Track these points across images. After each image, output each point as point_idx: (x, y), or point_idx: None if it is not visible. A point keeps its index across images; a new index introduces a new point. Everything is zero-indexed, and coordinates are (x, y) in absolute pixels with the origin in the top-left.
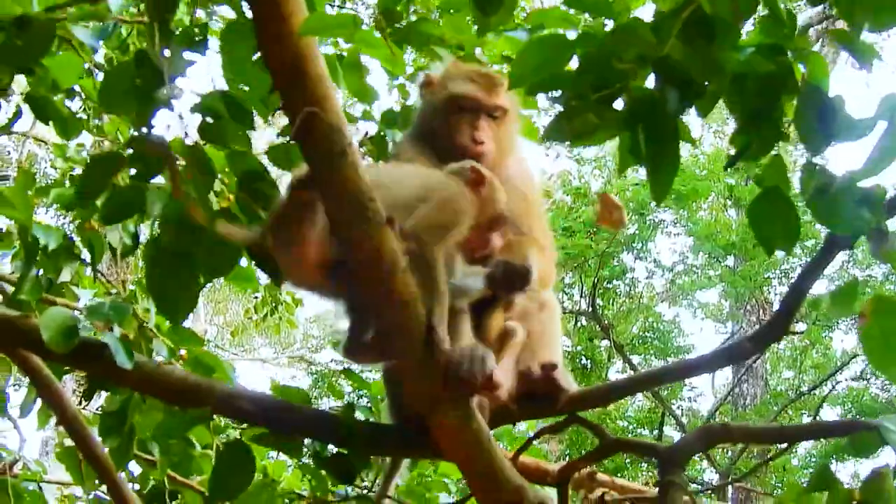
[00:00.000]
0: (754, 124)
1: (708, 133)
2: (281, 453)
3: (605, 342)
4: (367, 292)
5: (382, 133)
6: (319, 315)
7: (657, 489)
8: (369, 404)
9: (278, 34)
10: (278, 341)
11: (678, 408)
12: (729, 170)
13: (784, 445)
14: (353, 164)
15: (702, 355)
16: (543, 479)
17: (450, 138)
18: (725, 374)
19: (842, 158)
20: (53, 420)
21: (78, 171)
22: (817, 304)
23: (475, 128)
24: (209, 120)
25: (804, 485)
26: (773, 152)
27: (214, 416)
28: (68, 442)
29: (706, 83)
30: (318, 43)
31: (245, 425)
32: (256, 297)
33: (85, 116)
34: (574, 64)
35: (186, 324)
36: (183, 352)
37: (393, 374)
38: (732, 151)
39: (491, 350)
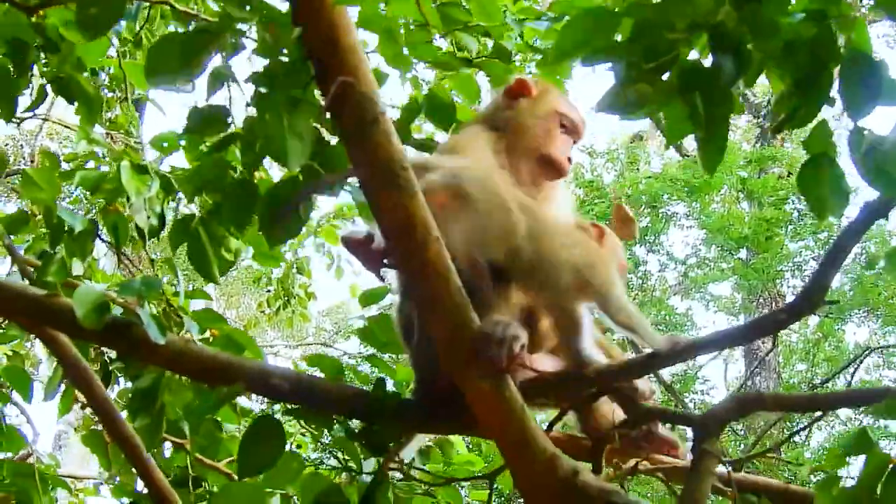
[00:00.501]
0: (801, 90)
1: None
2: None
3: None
4: (401, 263)
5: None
6: (332, 308)
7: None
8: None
9: (312, 4)
10: (291, 335)
11: (690, 400)
12: (742, 163)
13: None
14: (385, 132)
15: (736, 326)
16: (577, 450)
17: (545, 147)
18: (738, 367)
19: (880, 126)
20: (66, 416)
21: (100, 151)
22: (873, 262)
23: (568, 148)
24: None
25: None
26: (818, 118)
27: (245, 394)
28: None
29: (755, 50)
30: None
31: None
32: (269, 291)
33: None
34: (619, 38)
35: None
36: (212, 332)
37: (426, 348)
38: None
39: (521, 328)
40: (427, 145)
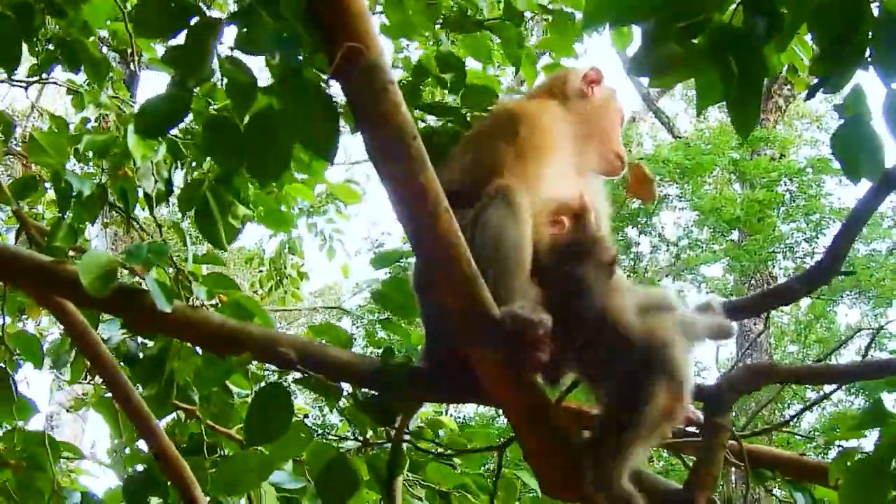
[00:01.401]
0: (836, 53)
1: (712, 108)
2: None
3: None
4: (412, 234)
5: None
6: (324, 289)
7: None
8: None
9: None
10: (283, 316)
11: None
12: (734, 144)
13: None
14: (393, 102)
15: (748, 296)
16: (588, 423)
17: (616, 145)
18: (730, 349)
19: None
20: (57, 396)
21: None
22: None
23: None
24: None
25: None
26: (853, 81)
27: (254, 362)
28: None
29: (786, 13)
30: None
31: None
32: (262, 272)
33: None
34: None
35: None
36: (220, 297)
37: (436, 317)
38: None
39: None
40: (437, 109)
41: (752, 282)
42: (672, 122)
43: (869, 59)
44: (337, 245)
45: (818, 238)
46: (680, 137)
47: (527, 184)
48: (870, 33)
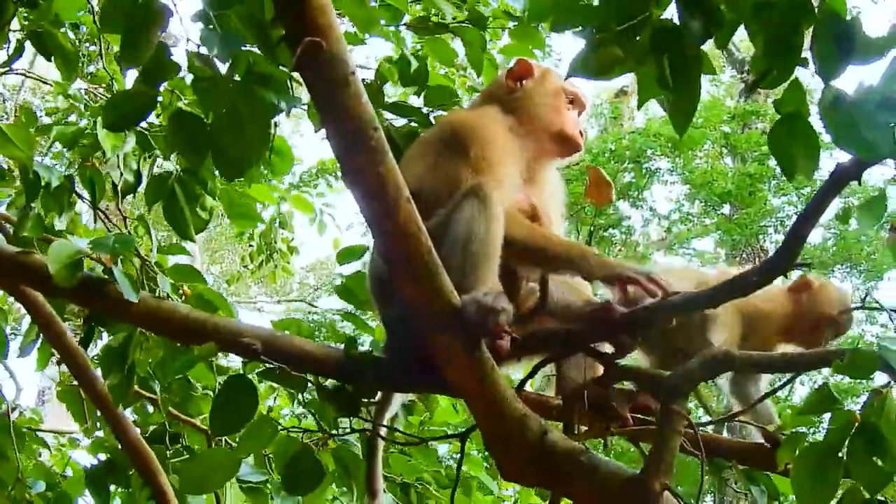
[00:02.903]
0: (775, 50)
1: (703, 81)
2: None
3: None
4: (373, 224)
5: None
6: (316, 264)
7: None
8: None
9: None
10: (275, 290)
11: None
12: (726, 118)
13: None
14: (355, 94)
15: (706, 290)
16: (548, 411)
17: (557, 126)
18: None
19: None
20: (48, 371)
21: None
22: (846, 215)
23: (577, 122)
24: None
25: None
26: (792, 77)
27: (219, 353)
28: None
29: (725, 11)
30: None
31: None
32: (252, 247)
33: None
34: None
35: None
36: (184, 290)
37: (398, 308)
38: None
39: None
40: (400, 109)
41: (744, 255)
42: (649, 101)
43: (806, 57)
44: (328, 219)
45: None
46: None
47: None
48: (809, 31)
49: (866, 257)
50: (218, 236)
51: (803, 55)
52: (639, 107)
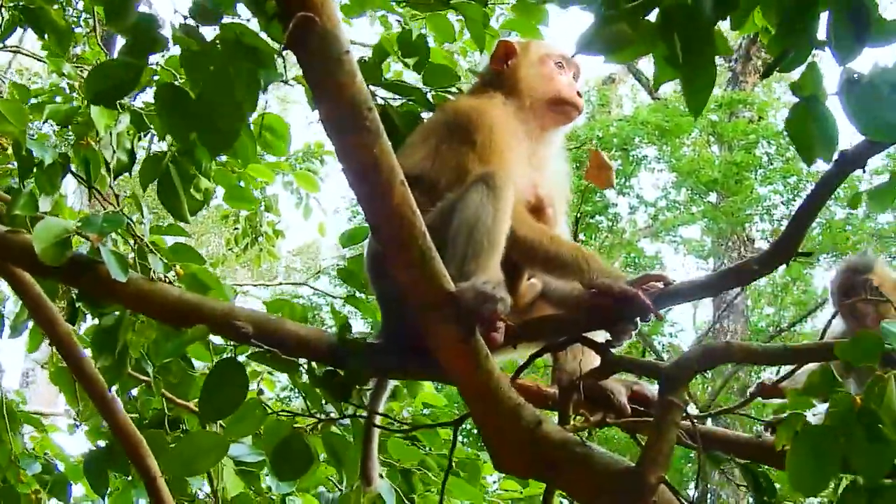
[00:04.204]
0: (790, 33)
1: None
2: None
3: None
4: (366, 206)
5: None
6: (302, 248)
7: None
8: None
9: None
10: (261, 274)
11: (659, 343)
12: (714, 106)
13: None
14: (349, 72)
15: (706, 276)
16: (543, 401)
17: (551, 92)
18: (707, 311)
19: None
20: (35, 354)
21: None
22: (857, 200)
23: (573, 84)
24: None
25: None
26: (808, 60)
27: (210, 336)
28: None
29: None
30: None
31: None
32: (237, 230)
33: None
34: None
35: None
36: (177, 270)
37: (392, 291)
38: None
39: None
40: (398, 88)
41: (729, 244)
42: (651, 83)
43: (824, 40)
44: (313, 203)
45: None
46: (659, 99)
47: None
48: (825, 13)
49: (852, 247)
50: (205, 220)
51: (821, 38)
52: (655, 88)
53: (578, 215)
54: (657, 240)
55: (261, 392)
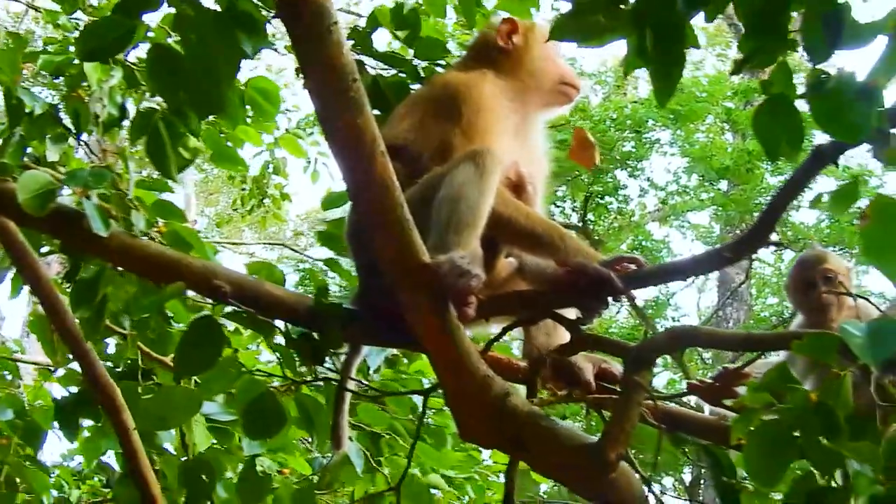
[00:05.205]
0: (762, 31)
1: (710, 56)
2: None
3: None
4: (347, 175)
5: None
6: (310, 213)
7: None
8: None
9: None
10: (268, 236)
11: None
12: (729, 94)
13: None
14: (337, 43)
15: (681, 260)
16: (514, 374)
17: (557, 74)
18: (711, 296)
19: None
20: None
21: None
22: (818, 201)
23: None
24: None
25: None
26: (779, 59)
27: (188, 293)
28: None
29: None
30: None
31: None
32: (244, 190)
33: None
34: None
35: None
36: (159, 227)
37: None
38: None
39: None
40: (389, 59)
41: (737, 231)
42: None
43: (796, 39)
44: (322, 168)
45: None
46: None
47: None
48: (797, 13)
49: (859, 239)
50: (216, 179)
51: (794, 38)
52: (625, 74)
53: (588, 195)
54: (665, 224)
55: (236, 351)
